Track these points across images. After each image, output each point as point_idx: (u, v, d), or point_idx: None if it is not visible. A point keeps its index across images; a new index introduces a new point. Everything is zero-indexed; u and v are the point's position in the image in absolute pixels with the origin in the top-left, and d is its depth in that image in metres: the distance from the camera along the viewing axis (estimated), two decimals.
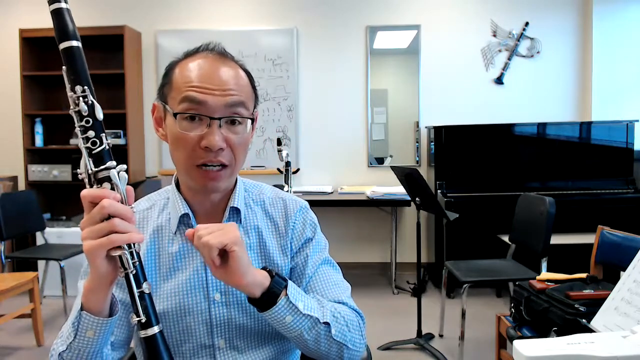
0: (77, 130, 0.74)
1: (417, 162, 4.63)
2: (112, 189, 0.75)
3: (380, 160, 4.67)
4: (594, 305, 1.52)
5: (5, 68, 4.67)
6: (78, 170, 0.76)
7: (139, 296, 0.74)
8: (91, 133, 0.74)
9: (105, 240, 0.72)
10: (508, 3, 4.51)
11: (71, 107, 0.73)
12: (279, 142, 3.29)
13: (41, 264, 4.05)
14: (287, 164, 3.17)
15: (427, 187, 2.82)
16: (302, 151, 4.64)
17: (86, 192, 0.74)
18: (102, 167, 0.75)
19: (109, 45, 4.49)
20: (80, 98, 0.73)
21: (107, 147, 0.75)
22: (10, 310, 3.12)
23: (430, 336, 3.12)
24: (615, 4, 4.37)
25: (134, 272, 0.74)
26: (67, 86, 0.73)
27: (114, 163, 0.76)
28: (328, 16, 4.61)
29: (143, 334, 0.74)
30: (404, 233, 4.60)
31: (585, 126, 4.12)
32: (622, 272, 1.47)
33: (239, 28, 4.61)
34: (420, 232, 3.11)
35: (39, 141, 4.54)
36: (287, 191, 3.10)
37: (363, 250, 4.64)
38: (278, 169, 4.06)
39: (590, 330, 1.44)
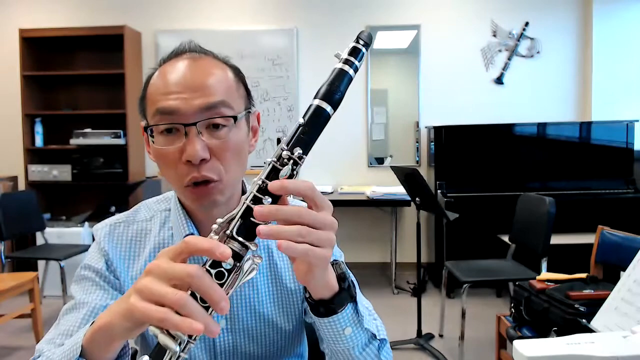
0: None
1: (417, 162, 4.62)
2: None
3: (380, 160, 4.67)
4: (594, 305, 1.52)
5: (5, 68, 4.66)
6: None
7: None
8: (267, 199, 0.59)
9: (160, 314, 0.53)
10: (508, 3, 4.51)
11: (275, 158, 0.61)
12: (279, 142, 3.29)
13: (41, 264, 4.04)
14: None
15: (427, 187, 2.82)
16: None
17: (195, 241, 0.55)
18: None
19: (108, 45, 4.49)
20: (292, 160, 0.61)
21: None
22: (10, 311, 3.12)
23: (430, 336, 3.11)
24: (615, 3, 4.37)
25: None
26: (287, 139, 0.62)
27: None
28: (328, 16, 4.61)
29: None
30: (404, 233, 4.59)
31: (585, 126, 4.12)
32: (622, 272, 1.47)
33: (239, 28, 4.61)
34: (420, 232, 3.11)
35: (38, 141, 4.54)
36: None
37: (363, 250, 4.64)
38: None
39: (591, 331, 1.44)
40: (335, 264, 0.72)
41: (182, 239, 0.82)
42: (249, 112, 0.86)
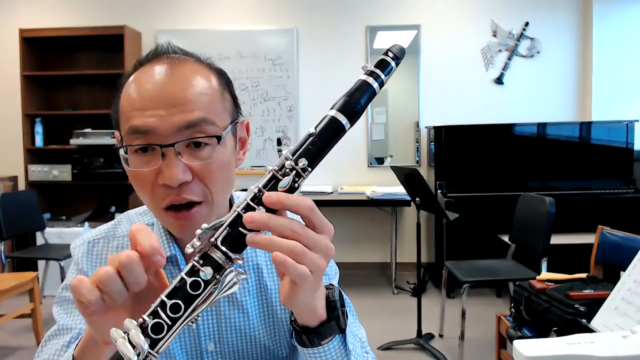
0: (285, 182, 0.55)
1: (417, 162, 4.62)
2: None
3: (380, 160, 4.67)
4: (594, 305, 1.52)
5: (5, 68, 4.66)
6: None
7: None
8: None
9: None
10: (508, 3, 4.51)
11: (276, 167, 0.56)
12: (279, 142, 3.30)
13: (41, 264, 4.04)
14: None
15: (427, 187, 2.82)
16: None
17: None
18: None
19: (109, 45, 4.49)
20: (294, 172, 0.55)
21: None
22: (10, 310, 3.12)
23: (430, 336, 3.12)
24: (615, 4, 4.37)
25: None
26: (294, 148, 0.57)
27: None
28: (328, 16, 4.61)
29: None
30: (404, 233, 4.60)
31: (585, 126, 4.12)
32: (622, 272, 1.47)
33: (239, 28, 4.61)
34: (420, 232, 3.11)
35: (39, 141, 4.54)
36: None
37: (363, 250, 4.64)
38: None
39: (590, 330, 1.44)
40: (329, 289, 0.66)
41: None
42: (236, 122, 0.77)
